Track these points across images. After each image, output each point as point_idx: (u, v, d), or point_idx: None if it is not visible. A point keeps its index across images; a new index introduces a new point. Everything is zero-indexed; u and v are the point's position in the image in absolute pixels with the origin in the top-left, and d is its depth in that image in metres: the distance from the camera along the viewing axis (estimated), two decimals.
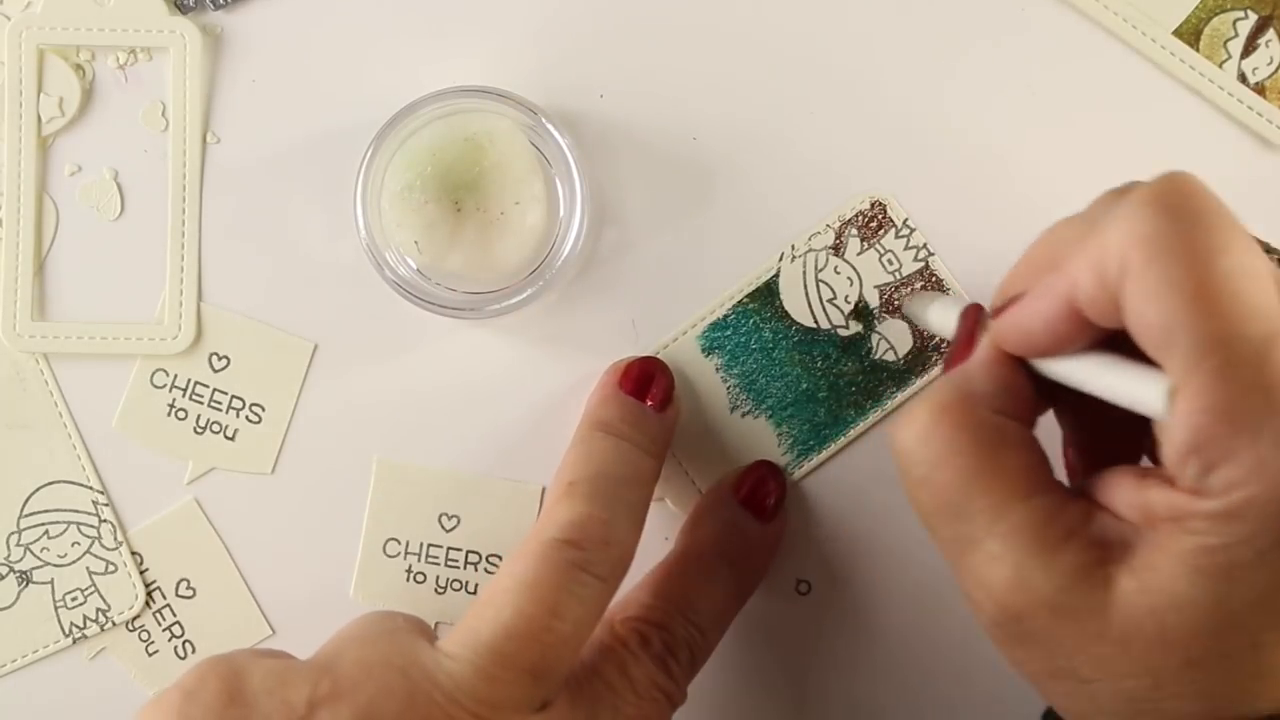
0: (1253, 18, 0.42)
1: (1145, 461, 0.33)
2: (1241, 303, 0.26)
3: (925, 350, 0.43)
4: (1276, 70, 0.42)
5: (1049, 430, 0.33)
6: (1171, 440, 0.27)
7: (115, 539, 0.43)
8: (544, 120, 0.39)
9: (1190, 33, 0.42)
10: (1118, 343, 0.29)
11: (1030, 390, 0.31)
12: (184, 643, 0.43)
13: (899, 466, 0.31)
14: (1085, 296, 0.29)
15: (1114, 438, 0.33)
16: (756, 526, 0.41)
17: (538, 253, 0.40)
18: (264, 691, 0.32)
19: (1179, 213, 0.27)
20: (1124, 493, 0.29)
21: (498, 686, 0.33)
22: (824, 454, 0.43)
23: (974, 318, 0.33)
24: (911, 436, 0.31)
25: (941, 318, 0.37)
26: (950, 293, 0.43)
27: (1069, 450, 0.35)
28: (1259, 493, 0.26)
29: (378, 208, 0.39)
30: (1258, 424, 0.26)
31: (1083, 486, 0.31)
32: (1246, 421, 0.26)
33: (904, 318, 0.43)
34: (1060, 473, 0.32)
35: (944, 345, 0.43)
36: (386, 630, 0.35)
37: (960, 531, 0.30)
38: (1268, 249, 0.35)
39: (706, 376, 0.43)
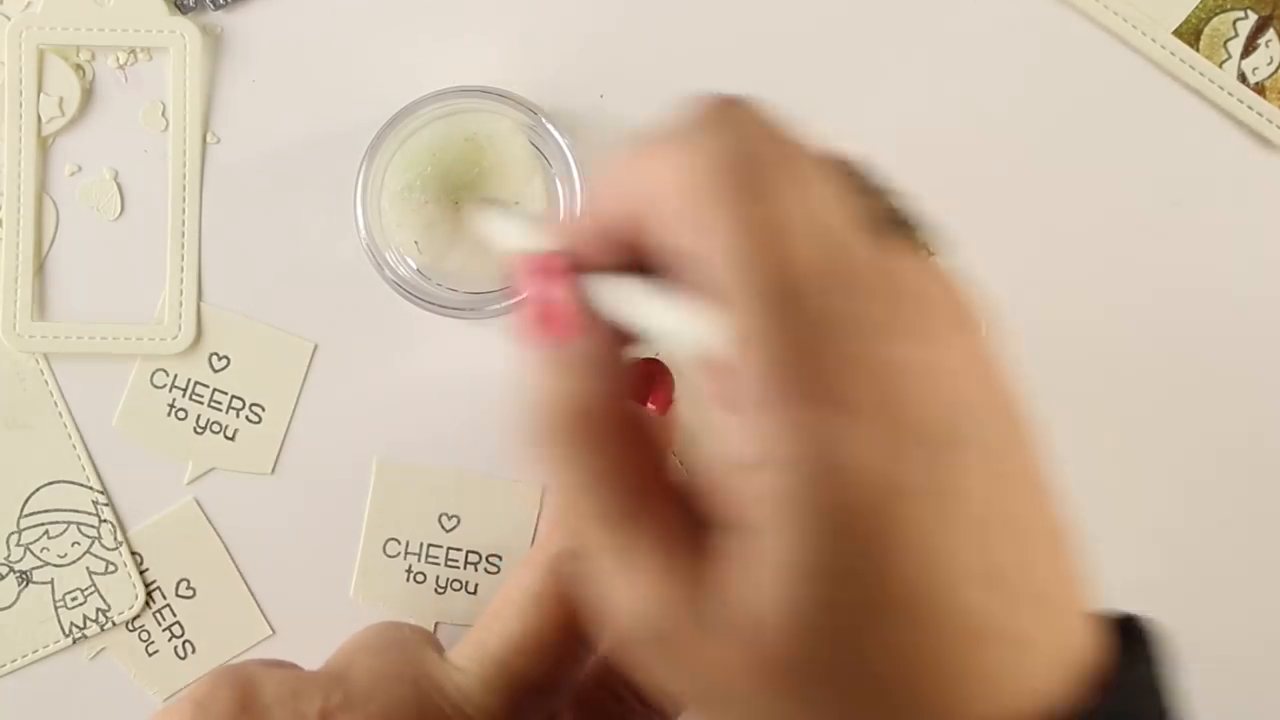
0: (1253, 18, 0.42)
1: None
2: (785, 249, 0.23)
3: None
4: (1276, 70, 0.42)
5: None
6: (716, 390, 0.24)
7: (115, 539, 0.43)
8: (544, 120, 0.39)
9: (1190, 33, 0.42)
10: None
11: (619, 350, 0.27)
12: (184, 643, 0.43)
13: (549, 468, 0.27)
14: (637, 227, 0.25)
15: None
16: None
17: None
18: (276, 702, 0.32)
19: (727, 155, 0.24)
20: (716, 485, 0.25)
21: (505, 699, 0.33)
22: None
23: (561, 268, 0.27)
24: (534, 447, 0.27)
25: (511, 236, 0.33)
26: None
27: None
28: (791, 450, 0.22)
29: (378, 208, 0.39)
30: (792, 376, 0.22)
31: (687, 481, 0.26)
32: (780, 373, 0.22)
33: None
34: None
35: None
36: (396, 641, 0.35)
37: (597, 546, 0.25)
38: (863, 180, 0.29)
39: None
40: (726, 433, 0.23)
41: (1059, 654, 0.23)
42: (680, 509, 0.25)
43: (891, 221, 0.26)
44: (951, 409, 0.22)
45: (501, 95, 0.39)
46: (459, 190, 0.39)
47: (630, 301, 0.26)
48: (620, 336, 0.27)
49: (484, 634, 0.34)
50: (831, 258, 0.23)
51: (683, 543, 0.24)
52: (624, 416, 0.26)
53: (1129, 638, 0.24)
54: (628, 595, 0.25)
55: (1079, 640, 0.23)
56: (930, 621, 0.22)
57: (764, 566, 0.22)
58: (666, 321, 0.25)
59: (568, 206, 0.40)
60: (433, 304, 0.40)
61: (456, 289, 0.40)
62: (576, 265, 0.27)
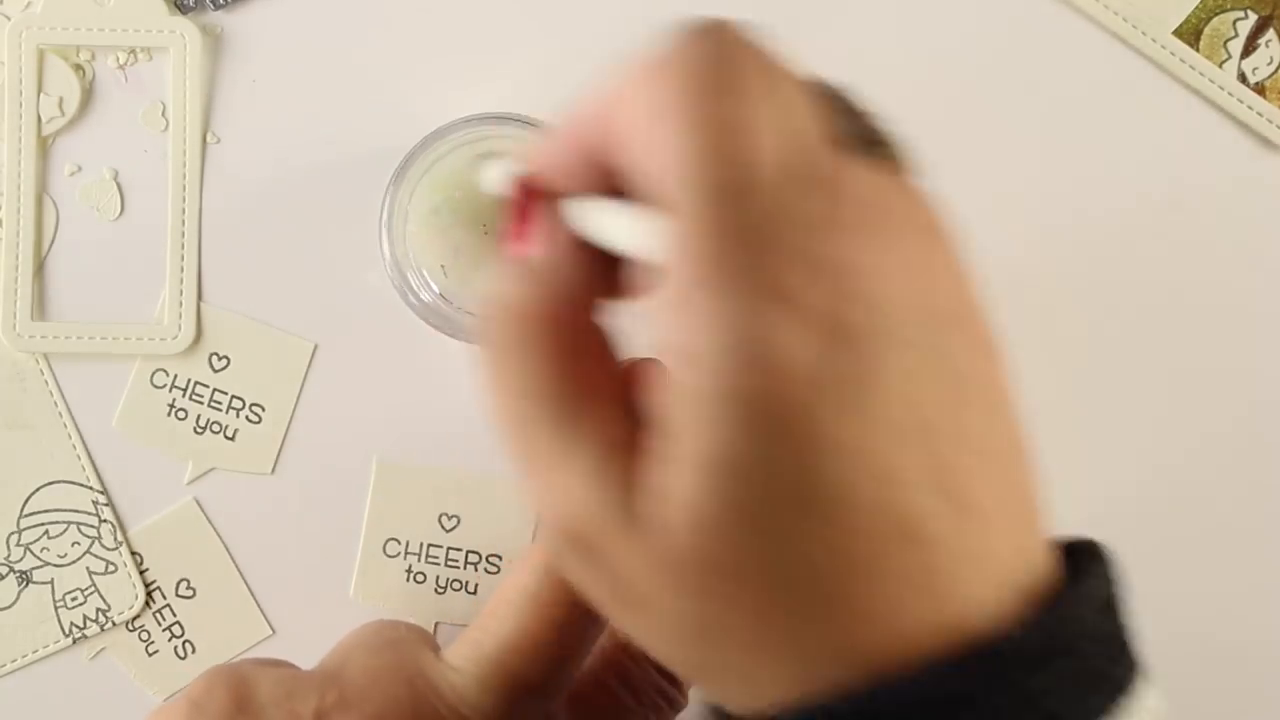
0: (1253, 18, 0.42)
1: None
2: (742, 146, 0.22)
3: None
4: (1276, 70, 0.42)
5: None
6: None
7: (115, 539, 0.43)
8: None
9: (1190, 33, 0.42)
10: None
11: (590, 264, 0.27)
12: (184, 643, 0.43)
13: (490, 373, 0.27)
14: (604, 145, 0.25)
15: None
16: None
17: None
18: (271, 701, 0.32)
19: (698, 60, 0.23)
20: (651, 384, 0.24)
21: (501, 699, 0.33)
22: None
23: (532, 190, 0.27)
24: (491, 338, 0.26)
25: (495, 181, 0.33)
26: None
27: None
28: (714, 338, 0.21)
29: (403, 232, 0.39)
30: (725, 265, 0.21)
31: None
32: (712, 262, 0.21)
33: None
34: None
35: None
36: (391, 640, 0.35)
37: (529, 444, 0.25)
38: (841, 102, 0.29)
39: None
40: (657, 327, 0.22)
41: (1004, 569, 0.22)
42: (630, 414, 0.24)
43: (867, 142, 0.25)
44: (895, 310, 0.22)
45: (530, 122, 0.39)
46: (487, 215, 0.39)
47: (585, 215, 0.26)
48: (589, 251, 0.26)
49: (480, 634, 0.34)
50: (792, 159, 0.22)
51: (622, 446, 0.24)
52: (575, 323, 0.26)
53: (1080, 559, 0.24)
54: (558, 497, 0.24)
55: (1028, 559, 0.23)
56: (853, 521, 0.21)
57: (678, 462, 0.22)
58: (616, 229, 0.25)
59: None
60: (454, 330, 0.40)
61: (477, 314, 0.40)
62: (542, 186, 0.27)
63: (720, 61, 0.23)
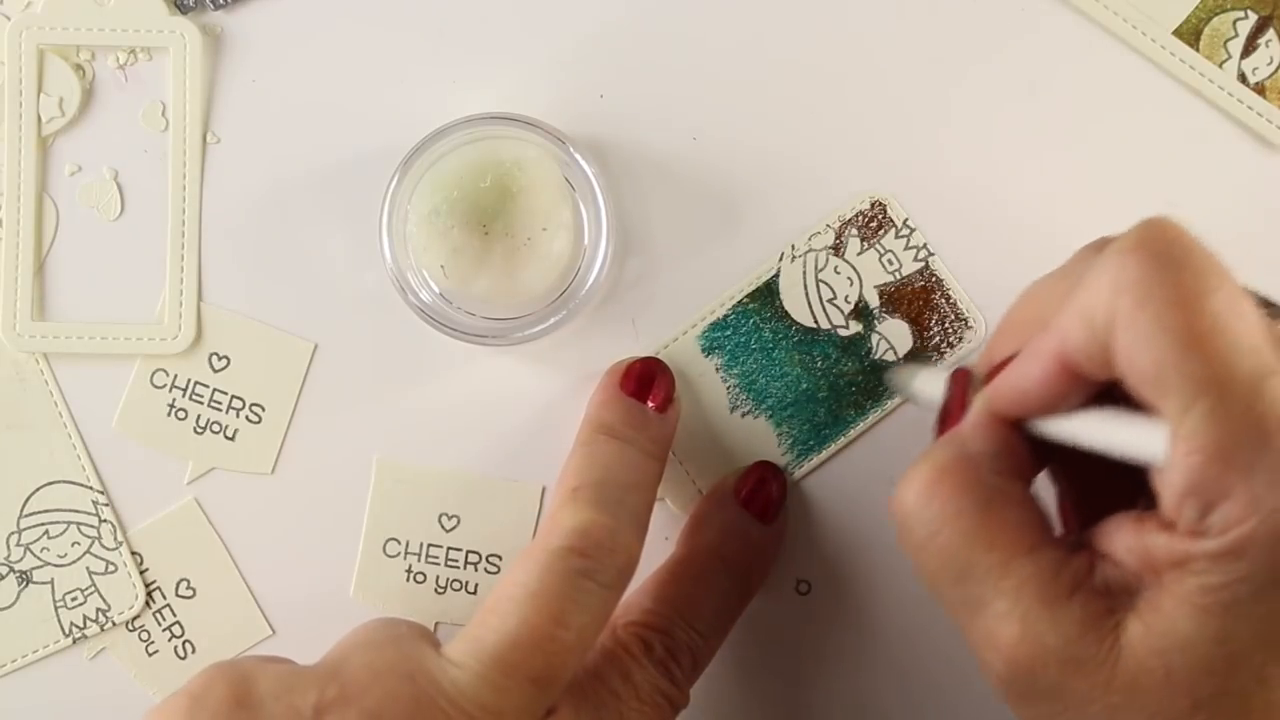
0: (1253, 18, 0.42)
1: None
2: (1230, 342, 0.26)
3: (925, 350, 0.43)
4: (1276, 70, 0.42)
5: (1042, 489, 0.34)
6: (1169, 484, 0.27)
7: (115, 539, 0.43)
8: (571, 148, 0.39)
9: (1190, 33, 0.42)
10: (1112, 395, 0.29)
11: (1026, 450, 0.32)
12: (184, 643, 0.43)
13: (900, 530, 0.31)
14: (1077, 350, 0.29)
15: (1109, 489, 0.32)
16: (758, 528, 0.41)
17: (563, 279, 0.40)
18: (271, 696, 0.32)
19: (1163, 257, 0.27)
20: (1124, 539, 0.29)
21: (502, 694, 0.33)
22: (824, 454, 0.43)
23: (963, 381, 0.34)
24: (912, 499, 0.31)
25: (926, 387, 0.37)
26: (948, 288, 0.43)
27: (1064, 505, 0.35)
28: (1255, 529, 0.26)
29: (402, 233, 0.39)
30: (1251, 461, 0.26)
31: (1083, 538, 0.31)
32: (1240, 459, 0.26)
33: (892, 387, 0.43)
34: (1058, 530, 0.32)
35: (951, 331, 0.43)
36: (392, 636, 0.35)
37: (966, 593, 0.30)
38: (1265, 303, 0.35)
39: (707, 376, 0.43)
40: (1174, 503, 0.27)
41: None
42: (1045, 568, 0.29)
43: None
44: None
45: (530, 123, 0.39)
46: (487, 215, 0.39)
47: (1072, 428, 0.30)
48: (1008, 428, 0.32)
49: (480, 630, 0.34)
50: (1265, 344, 0.27)
51: (1064, 590, 0.29)
52: (996, 484, 0.31)
53: None
54: (1004, 641, 0.29)
55: None
56: None
57: (1180, 605, 0.27)
58: (1107, 436, 0.29)
59: (593, 233, 0.40)
60: (455, 329, 0.40)
61: (477, 314, 0.40)
62: (971, 376, 0.33)
63: (1187, 256, 0.27)
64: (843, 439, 0.43)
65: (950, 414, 0.33)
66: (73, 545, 0.43)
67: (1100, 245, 0.30)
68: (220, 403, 0.43)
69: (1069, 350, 0.29)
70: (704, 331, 0.43)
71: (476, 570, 0.43)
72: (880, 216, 0.43)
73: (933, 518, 0.30)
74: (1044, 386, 0.30)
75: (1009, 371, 0.31)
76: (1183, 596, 0.27)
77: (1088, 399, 0.30)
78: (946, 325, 0.43)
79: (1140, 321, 0.27)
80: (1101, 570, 0.29)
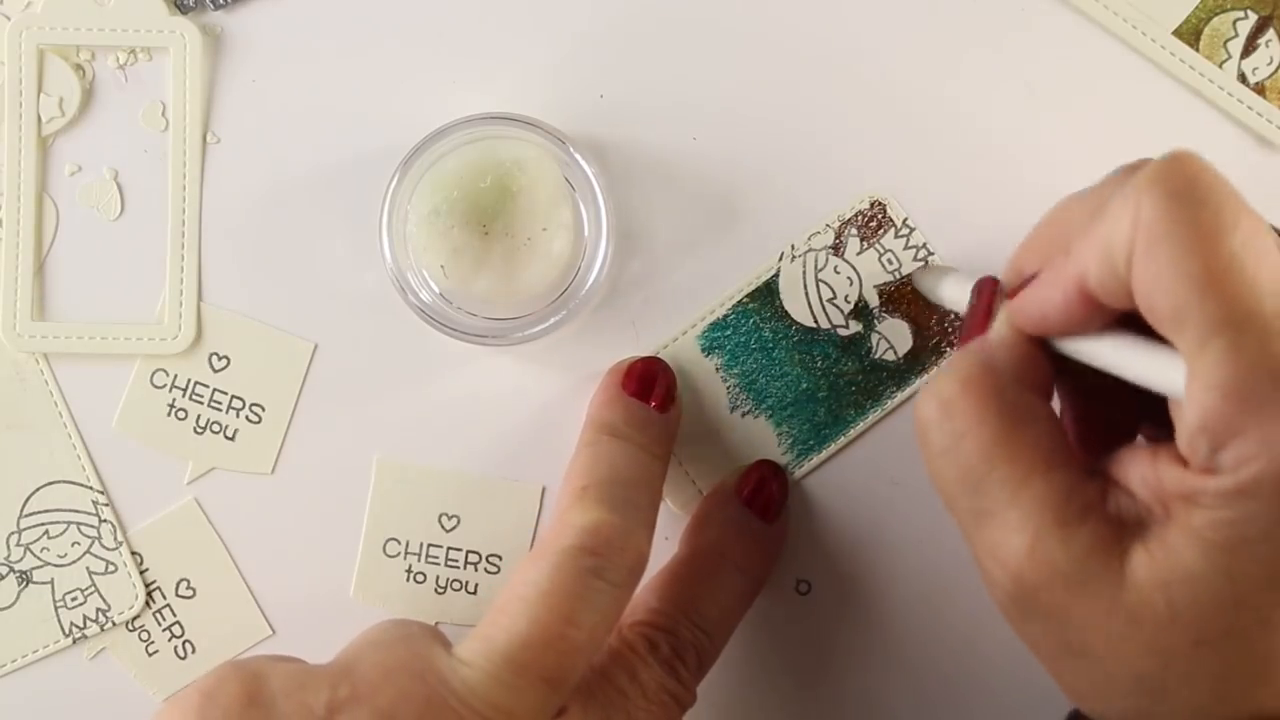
0: (1253, 18, 0.42)
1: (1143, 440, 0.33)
2: (1248, 281, 0.26)
3: (925, 350, 0.43)
4: (1276, 70, 0.42)
5: None
6: (1183, 419, 0.27)
7: (115, 539, 0.43)
8: (571, 148, 0.39)
9: (1190, 33, 0.42)
10: (1135, 320, 0.29)
11: (1048, 365, 0.32)
12: (184, 643, 0.43)
13: (921, 436, 0.31)
14: (1095, 281, 0.29)
15: (1114, 408, 0.33)
16: (760, 527, 0.41)
17: (563, 279, 0.40)
18: (283, 694, 0.32)
19: (1183, 195, 0.27)
20: (1139, 470, 0.29)
21: (513, 694, 0.33)
22: (824, 454, 0.43)
23: (990, 291, 0.34)
24: (935, 406, 0.31)
25: (954, 292, 0.38)
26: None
27: (1066, 418, 0.35)
28: (1265, 469, 0.26)
29: (402, 233, 0.39)
30: (1265, 401, 0.26)
31: (1099, 465, 0.31)
32: (1254, 399, 0.26)
33: (914, 292, 0.43)
34: None
35: (951, 329, 0.43)
36: (403, 636, 0.35)
37: (979, 503, 0.30)
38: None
39: (707, 376, 0.43)
40: (1189, 437, 0.27)
41: None
42: (1060, 488, 0.29)
43: None
44: None
45: (530, 123, 0.39)
46: (487, 215, 0.39)
47: (1093, 350, 0.30)
48: (1033, 344, 0.32)
49: (491, 629, 0.34)
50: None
51: (1077, 509, 0.29)
52: (1020, 397, 0.31)
53: None
54: (1010, 553, 0.29)
55: None
56: None
57: (1187, 539, 0.27)
58: (1127, 363, 0.29)
59: (593, 233, 0.40)
60: (455, 330, 0.40)
61: (478, 314, 0.40)
62: (999, 288, 0.33)
63: (1207, 193, 0.27)
64: (843, 439, 0.43)
65: (975, 323, 0.33)
66: (73, 545, 0.43)
67: (1132, 169, 0.30)
68: (220, 403, 0.43)
69: (1088, 279, 0.29)
70: (704, 331, 0.43)
71: (476, 570, 0.43)
72: (880, 216, 0.43)
73: (955, 427, 0.30)
74: (1064, 311, 0.30)
75: (1031, 291, 0.31)
76: (1191, 531, 0.27)
77: (1109, 324, 0.30)
78: (946, 325, 0.43)
79: (1157, 259, 0.27)
80: (1115, 498, 0.29)
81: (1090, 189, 0.32)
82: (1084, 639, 0.29)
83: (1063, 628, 0.29)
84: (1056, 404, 0.34)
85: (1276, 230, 0.33)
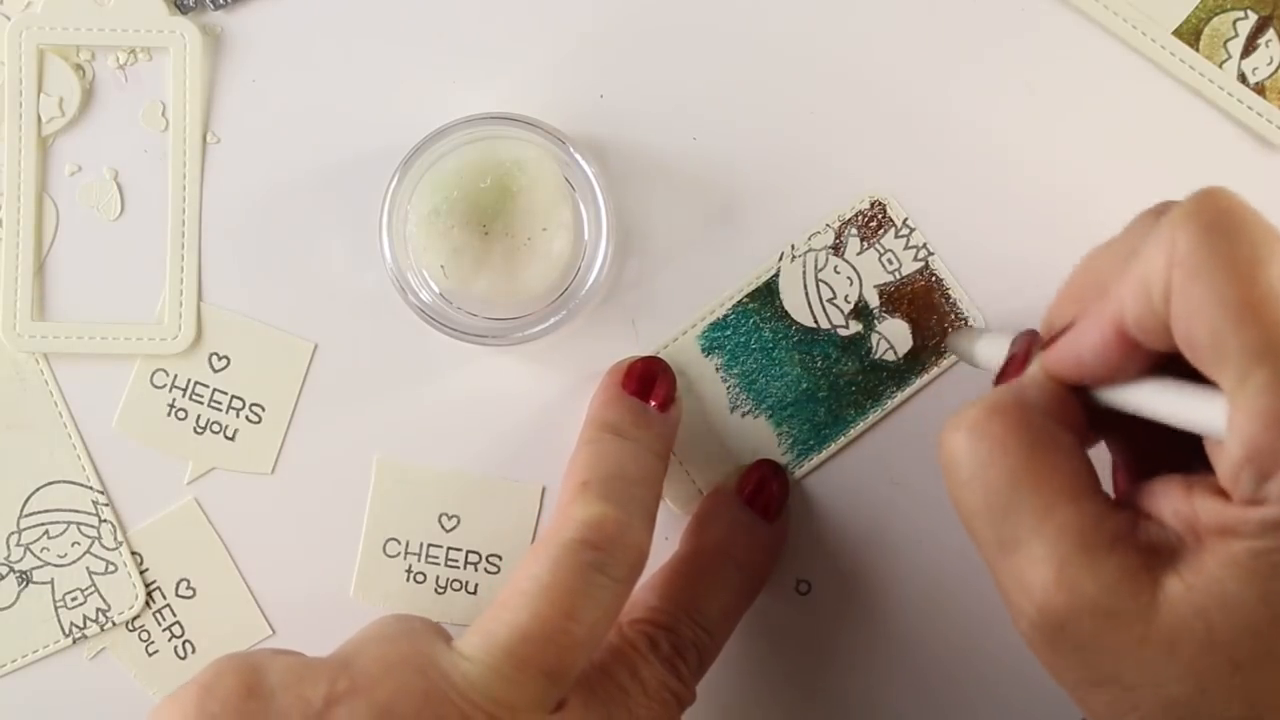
0: (1253, 18, 0.42)
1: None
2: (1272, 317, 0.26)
3: (925, 350, 0.43)
4: (1276, 70, 0.42)
5: (1098, 457, 0.33)
6: (1226, 453, 0.27)
7: (115, 539, 0.43)
8: (571, 148, 0.39)
9: (1190, 33, 0.42)
10: (1172, 365, 0.29)
11: (1081, 409, 0.31)
12: (184, 643, 0.43)
13: (945, 465, 0.31)
14: (1133, 320, 0.29)
15: (1164, 458, 0.32)
16: (761, 526, 0.42)
17: (563, 279, 0.40)
18: (282, 687, 0.32)
19: (1218, 228, 0.27)
20: (1171, 502, 0.29)
21: (513, 688, 0.33)
22: (824, 454, 0.43)
23: (1029, 342, 0.33)
24: (962, 434, 0.31)
25: (990, 350, 0.37)
26: (948, 288, 0.43)
27: (1118, 474, 0.35)
28: None
29: (402, 233, 0.39)
30: None
31: (1129, 496, 0.31)
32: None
33: (950, 353, 0.43)
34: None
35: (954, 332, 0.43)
36: (404, 630, 0.35)
37: (1004, 532, 0.30)
38: None
39: (707, 376, 0.43)
40: (1231, 472, 0.27)
41: None
42: (1088, 517, 0.29)
43: None
44: None
45: (530, 123, 0.39)
46: (487, 215, 0.39)
47: (1132, 397, 0.30)
48: (1078, 404, 0.31)
49: (492, 623, 0.34)
50: None
51: (1105, 540, 0.29)
52: (1047, 430, 0.30)
53: None
54: (1036, 584, 0.29)
55: None
56: None
57: (1223, 566, 0.27)
58: (1167, 406, 0.29)
59: (593, 233, 0.40)
60: (455, 329, 0.40)
61: (478, 314, 0.40)
62: (1036, 339, 0.33)
63: (1241, 225, 0.27)
64: (843, 439, 0.43)
65: (1009, 371, 0.33)
66: (73, 545, 0.43)
67: (1160, 210, 0.30)
68: (220, 403, 0.43)
69: (1126, 319, 0.29)
70: (704, 331, 0.43)
71: (476, 570, 0.43)
72: (880, 216, 0.43)
73: (981, 453, 0.30)
74: (1101, 354, 0.30)
75: (1068, 337, 0.31)
76: (1229, 559, 0.27)
77: (1147, 368, 0.30)
78: (946, 325, 0.43)
79: (1194, 293, 0.27)
80: (1146, 528, 0.29)
81: (1117, 237, 0.32)
82: (1114, 668, 0.28)
83: (1091, 657, 0.29)
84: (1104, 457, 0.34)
85: None
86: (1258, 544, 0.26)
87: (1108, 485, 0.32)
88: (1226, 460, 0.27)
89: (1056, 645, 0.29)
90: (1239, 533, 0.27)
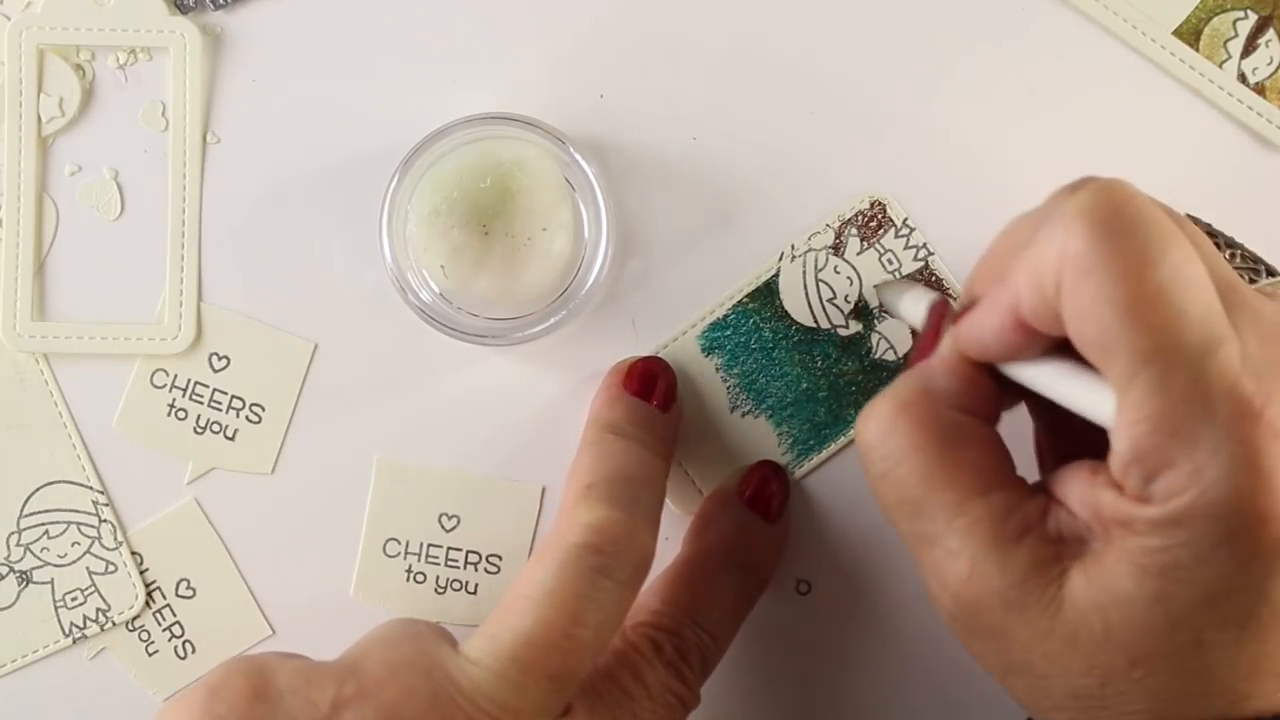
0: (1253, 18, 0.42)
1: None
2: (1176, 313, 0.26)
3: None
4: (1276, 70, 0.42)
5: (1021, 419, 0.34)
6: (1116, 449, 0.27)
7: (115, 539, 0.43)
8: (571, 148, 0.39)
9: (1190, 33, 0.42)
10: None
11: (993, 388, 0.32)
12: (184, 643, 0.43)
13: (862, 461, 0.32)
14: (1029, 310, 0.29)
15: (1080, 426, 0.33)
16: (762, 527, 0.41)
17: (563, 279, 0.40)
18: (289, 690, 0.32)
19: (1109, 225, 0.27)
20: (1078, 490, 0.29)
21: (519, 692, 0.33)
22: (824, 454, 0.43)
23: (940, 313, 0.34)
24: (873, 431, 0.31)
25: (912, 308, 0.38)
26: (947, 287, 0.43)
27: (1039, 435, 0.35)
28: (1196, 499, 0.26)
29: (402, 233, 0.39)
30: (1195, 432, 0.26)
31: (1043, 482, 0.31)
32: (1184, 430, 0.26)
33: (881, 304, 0.43)
34: (1030, 462, 0.33)
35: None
36: (410, 634, 0.35)
37: (920, 527, 0.31)
38: (1215, 235, 0.35)
39: (707, 376, 0.43)
40: (1123, 461, 0.27)
41: None
42: (998, 510, 0.29)
43: (1243, 271, 0.31)
44: None
45: (530, 123, 0.39)
46: (487, 215, 0.39)
47: (1032, 375, 0.31)
48: (975, 368, 0.32)
49: (497, 627, 0.34)
50: (1210, 313, 0.26)
51: (1013, 531, 0.29)
52: (959, 422, 0.31)
53: None
54: (951, 576, 0.30)
55: None
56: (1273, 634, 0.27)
57: (1121, 563, 0.27)
58: (1062, 391, 0.29)
59: (593, 233, 0.40)
60: (455, 330, 0.40)
61: (479, 314, 0.40)
62: (947, 310, 0.33)
63: (1134, 224, 0.27)
64: (843, 438, 0.43)
65: (923, 346, 0.34)
66: (73, 545, 0.43)
67: (1074, 188, 0.30)
68: (220, 403, 0.43)
69: (1022, 309, 0.29)
70: (704, 331, 0.43)
71: (476, 570, 0.43)
72: (880, 216, 0.43)
73: (890, 452, 0.31)
74: (1001, 338, 0.30)
75: (972, 316, 0.31)
76: (1125, 555, 0.27)
77: (1049, 348, 0.30)
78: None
79: (1084, 292, 0.27)
80: (1055, 516, 0.30)
81: (1038, 208, 0.32)
82: (1025, 658, 0.29)
83: (1004, 646, 0.30)
84: (1024, 415, 0.34)
85: (1215, 232, 0.34)
86: (1149, 542, 0.27)
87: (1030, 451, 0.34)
88: (1117, 456, 0.27)
89: (972, 634, 0.30)
90: (1133, 528, 0.27)
